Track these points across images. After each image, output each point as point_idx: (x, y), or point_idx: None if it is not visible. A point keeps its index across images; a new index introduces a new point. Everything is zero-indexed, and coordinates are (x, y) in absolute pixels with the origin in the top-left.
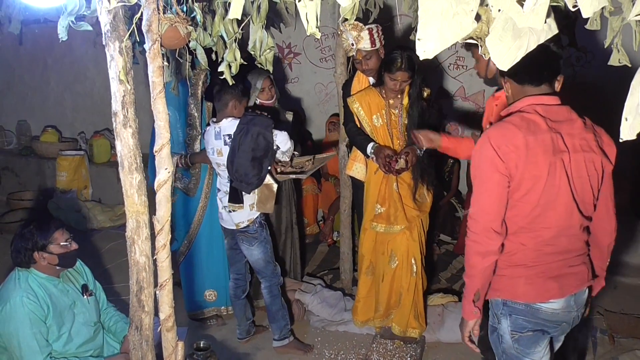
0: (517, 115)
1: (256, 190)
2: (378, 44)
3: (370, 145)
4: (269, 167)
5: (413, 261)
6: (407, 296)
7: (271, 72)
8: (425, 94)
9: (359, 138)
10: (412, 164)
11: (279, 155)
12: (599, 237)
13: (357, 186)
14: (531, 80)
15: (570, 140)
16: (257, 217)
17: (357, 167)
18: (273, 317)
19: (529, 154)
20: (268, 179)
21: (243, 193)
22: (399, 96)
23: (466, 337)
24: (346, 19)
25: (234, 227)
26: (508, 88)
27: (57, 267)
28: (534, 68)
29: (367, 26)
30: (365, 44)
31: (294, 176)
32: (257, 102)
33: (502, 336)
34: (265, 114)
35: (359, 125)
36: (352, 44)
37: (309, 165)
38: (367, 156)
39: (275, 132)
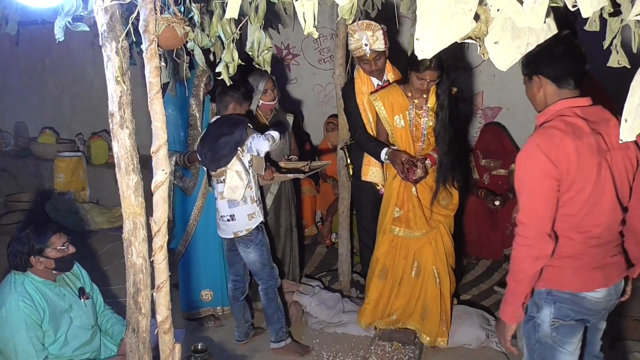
0: (559, 119)
1: (253, 187)
2: (387, 44)
3: (384, 151)
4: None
5: (435, 271)
6: (434, 307)
7: (270, 72)
8: (453, 92)
9: (370, 145)
10: (427, 171)
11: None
12: (634, 225)
13: (360, 188)
14: (575, 84)
15: (609, 139)
16: (255, 226)
17: (373, 171)
18: (270, 320)
19: (579, 159)
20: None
21: (241, 202)
22: (425, 96)
23: (508, 341)
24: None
25: (232, 237)
26: (542, 90)
27: (54, 272)
28: (577, 72)
29: (381, 25)
30: (379, 44)
31: (292, 175)
32: (260, 103)
33: (540, 325)
34: (246, 119)
35: (371, 129)
36: (365, 44)
37: (306, 168)
38: (381, 162)
39: (253, 135)
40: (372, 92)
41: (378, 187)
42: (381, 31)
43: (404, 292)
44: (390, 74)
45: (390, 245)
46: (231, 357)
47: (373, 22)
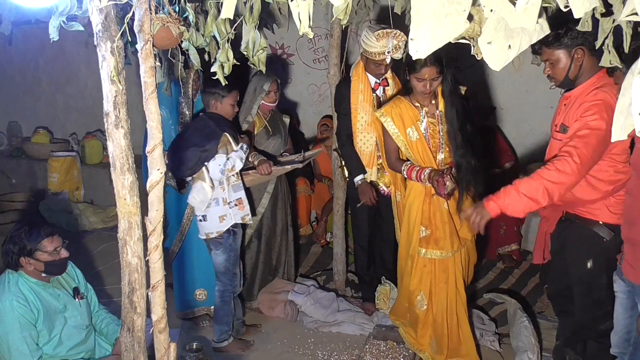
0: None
1: (226, 189)
2: None
3: (358, 178)
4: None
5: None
6: (466, 330)
7: (264, 72)
8: (462, 92)
9: (352, 162)
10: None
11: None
12: None
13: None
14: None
15: None
16: (226, 230)
17: (369, 171)
18: (219, 320)
19: None
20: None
21: (212, 204)
22: (433, 101)
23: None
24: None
25: (205, 237)
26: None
27: (43, 274)
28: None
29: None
30: (400, 53)
31: (289, 167)
32: (261, 103)
33: None
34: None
35: (359, 145)
36: (389, 52)
37: (300, 158)
38: (355, 185)
39: (217, 157)
40: (350, 98)
41: (380, 187)
42: (405, 42)
43: (447, 321)
44: (388, 73)
45: (423, 272)
46: (226, 357)
47: (400, 32)
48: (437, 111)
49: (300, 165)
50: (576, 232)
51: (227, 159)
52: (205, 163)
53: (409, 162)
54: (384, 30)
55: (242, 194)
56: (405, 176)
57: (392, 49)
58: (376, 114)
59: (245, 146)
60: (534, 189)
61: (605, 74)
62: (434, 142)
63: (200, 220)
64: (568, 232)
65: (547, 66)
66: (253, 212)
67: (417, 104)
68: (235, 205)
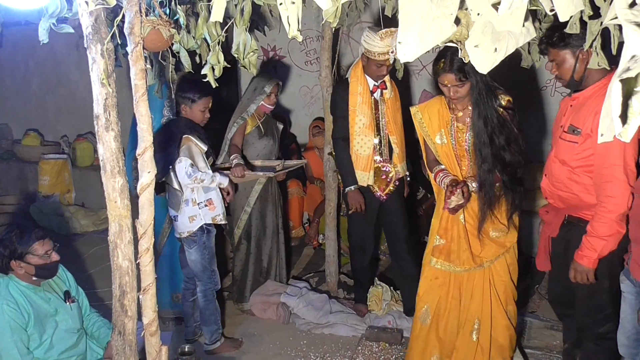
0: None
1: (195, 190)
2: None
3: (350, 187)
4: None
5: (476, 323)
6: None
7: (255, 75)
8: (503, 102)
9: (344, 168)
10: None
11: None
12: None
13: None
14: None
15: None
16: (197, 229)
17: (361, 175)
18: (206, 321)
19: None
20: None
21: (182, 204)
22: (469, 107)
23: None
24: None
25: (178, 236)
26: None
27: (34, 277)
28: None
29: None
30: None
31: (262, 174)
32: (260, 104)
33: None
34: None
35: (356, 148)
36: (392, 52)
37: (280, 167)
38: (344, 192)
39: (181, 158)
40: (348, 100)
41: (374, 190)
42: None
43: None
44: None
45: (432, 282)
46: (218, 358)
47: None
48: (468, 118)
49: (272, 174)
50: (580, 234)
51: (204, 173)
52: (170, 166)
53: (441, 166)
54: (388, 30)
55: (213, 194)
56: (434, 178)
57: (395, 49)
58: (411, 110)
59: (219, 177)
60: (607, 227)
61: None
62: (460, 150)
63: (174, 220)
64: (571, 234)
65: (553, 66)
66: (233, 212)
67: (452, 107)
68: (205, 205)
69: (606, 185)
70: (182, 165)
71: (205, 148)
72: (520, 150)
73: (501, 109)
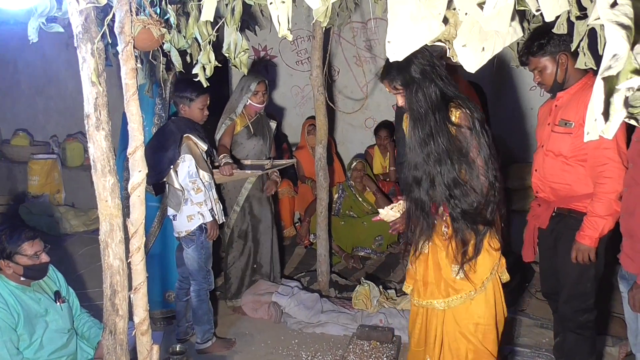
0: None
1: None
2: None
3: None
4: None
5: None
6: None
7: (246, 74)
8: (453, 117)
9: None
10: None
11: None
12: None
13: None
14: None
15: None
16: (195, 228)
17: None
18: (199, 320)
19: None
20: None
21: (181, 203)
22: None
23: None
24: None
25: (177, 235)
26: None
27: (22, 278)
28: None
29: None
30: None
31: (250, 172)
32: (248, 102)
33: None
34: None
35: None
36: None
37: (269, 165)
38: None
39: (184, 157)
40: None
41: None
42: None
43: None
44: None
45: (414, 311)
46: (210, 358)
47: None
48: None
49: (260, 172)
50: (571, 225)
51: (202, 193)
52: (172, 166)
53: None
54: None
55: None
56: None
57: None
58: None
59: (207, 213)
60: (606, 206)
61: (593, 74)
62: None
63: (173, 220)
64: (561, 226)
65: (535, 74)
66: (226, 211)
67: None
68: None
69: (602, 168)
70: (186, 164)
71: (205, 147)
72: (474, 178)
73: (451, 126)
